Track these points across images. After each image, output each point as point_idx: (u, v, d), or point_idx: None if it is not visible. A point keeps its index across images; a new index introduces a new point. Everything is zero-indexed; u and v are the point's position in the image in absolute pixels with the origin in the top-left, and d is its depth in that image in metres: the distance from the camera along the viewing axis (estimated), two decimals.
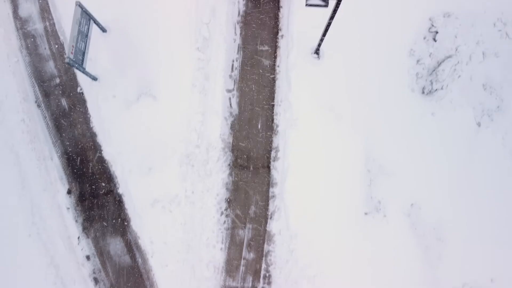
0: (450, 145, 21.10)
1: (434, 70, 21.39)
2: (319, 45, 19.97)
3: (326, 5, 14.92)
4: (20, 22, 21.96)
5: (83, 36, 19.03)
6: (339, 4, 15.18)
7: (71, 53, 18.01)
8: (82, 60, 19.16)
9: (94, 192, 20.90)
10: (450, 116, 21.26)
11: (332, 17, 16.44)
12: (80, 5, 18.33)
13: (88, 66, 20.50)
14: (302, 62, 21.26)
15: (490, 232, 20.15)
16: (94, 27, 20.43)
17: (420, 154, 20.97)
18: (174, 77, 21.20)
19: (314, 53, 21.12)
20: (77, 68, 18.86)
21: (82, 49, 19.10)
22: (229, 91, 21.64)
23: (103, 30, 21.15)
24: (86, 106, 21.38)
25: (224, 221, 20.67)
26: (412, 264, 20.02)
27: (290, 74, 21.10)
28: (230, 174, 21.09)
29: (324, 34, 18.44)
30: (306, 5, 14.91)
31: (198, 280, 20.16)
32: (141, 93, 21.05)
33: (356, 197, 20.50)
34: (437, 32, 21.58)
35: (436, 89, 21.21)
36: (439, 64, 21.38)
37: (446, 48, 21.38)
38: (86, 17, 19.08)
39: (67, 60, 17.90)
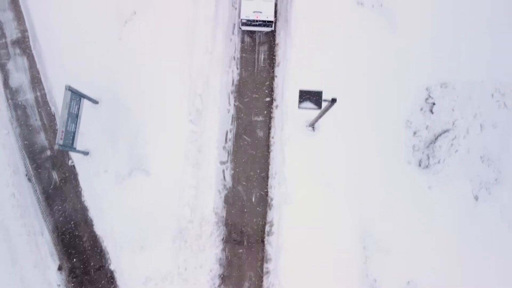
0: (447, 220, 20.74)
1: (431, 143, 21.06)
2: (314, 122, 19.63)
3: (320, 108, 14.60)
4: (11, 93, 21.62)
5: (73, 117, 18.70)
6: (333, 104, 14.85)
7: (61, 138, 17.68)
8: (73, 141, 18.85)
9: (86, 268, 20.56)
10: (447, 190, 20.91)
11: (326, 110, 16.10)
12: (70, 89, 17.99)
13: (80, 140, 20.17)
14: (297, 135, 20.92)
15: None
16: (85, 100, 20.09)
17: (417, 229, 20.62)
18: (167, 150, 20.85)
19: (309, 126, 20.78)
20: (67, 150, 18.51)
21: (73, 130, 18.78)
22: (222, 163, 21.30)
23: (95, 102, 20.80)
24: (77, 179, 21.04)
25: None
26: None
27: (285, 148, 20.77)
28: (224, 249, 20.76)
29: (318, 118, 18.09)
30: (299, 108, 14.59)
31: None
32: (133, 168, 20.70)
33: (352, 275, 20.15)
34: (434, 104, 21.23)
35: (433, 163, 20.86)
36: (436, 137, 21.05)
37: (443, 121, 21.04)
38: (76, 97, 18.74)
39: (56, 147, 17.58)
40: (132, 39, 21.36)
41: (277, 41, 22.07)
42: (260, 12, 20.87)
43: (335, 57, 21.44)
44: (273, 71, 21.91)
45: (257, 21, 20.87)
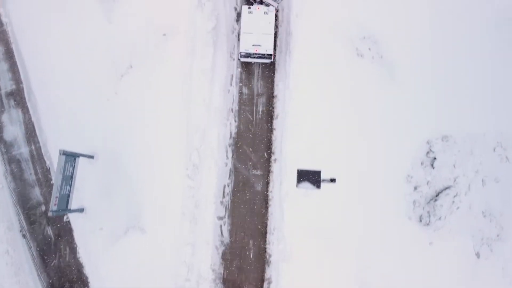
0: (448, 276, 20.41)
1: (432, 200, 20.72)
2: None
3: (319, 187, 14.29)
4: (5, 146, 21.29)
5: (67, 180, 18.38)
6: (334, 181, 14.54)
7: (54, 204, 17.36)
8: (67, 204, 18.55)
9: None
10: (448, 246, 20.57)
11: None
12: (64, 153, 17.67)
13: (75, 196, 19.84)
14: (295, 191, 20.56)
15: None
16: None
17: (418, 285, 20.31)
18: (163, 207, 20.53)
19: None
20: (62, 214, 18.20)
21: (67, 192, 18.49)
22: (220, 218, 20.96)
23: (90, 157, 20.48)
24: (72, 236, 20.71)
25: None
26: None
27: (284, 204, 20.39)
28: None
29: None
30: (297, 187, 14.29)
31: None
32: (129, 226, 20.38)
33: None
34: (435, 158, 20.90)
35: (434, 220, 20.53)
36: (437, 193, 20.72)
37: (444, 177, 20.71)
38: (71, 159, 18.41)
39: (50, 214, 17.27)
40: (128, 93, 21.04)
41: (275, 92, 21.75)
42: (259, 46, 20.61)
43: (335, 110, 21.12)
44: (272, 124, 21.57)
45: (256, 54, 20.62)
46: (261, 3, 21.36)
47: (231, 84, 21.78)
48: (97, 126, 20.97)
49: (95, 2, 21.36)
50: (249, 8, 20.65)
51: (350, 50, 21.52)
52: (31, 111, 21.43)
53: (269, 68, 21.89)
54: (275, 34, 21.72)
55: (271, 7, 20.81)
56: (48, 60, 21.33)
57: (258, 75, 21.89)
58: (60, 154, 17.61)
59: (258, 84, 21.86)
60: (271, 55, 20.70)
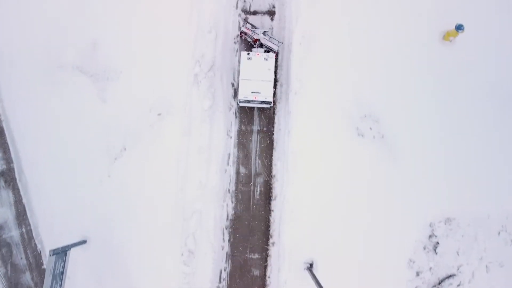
0: None
1: (434, 287, 20.13)
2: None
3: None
4: None
5: (58, 276, 17.73)
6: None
7: None
8: None
9: None
10: None
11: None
12: (54, 253, 17.04)
13: (67, 285, 19.23)
14: (294, 278, 19.97)
15: None
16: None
17: None
18: None
19: (307, 269, 19.84)
20: None
21: None
22: None
23: (83, 242, 19.85)
24: None
25: None
26: None
27: None
28: None
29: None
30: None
31: None
32: None
33: None
34: (438, 243, 20.31)
35: None
36: (440, 281, 20.12)
37: (447, 265, 20.13)
38: (61, 256, 17.77)
39: None
40: (122, 176, 20.41)
41: (273, 172, 21.13)
42: (259, 93, 20.09)
43: (334, 193, 20.52)
44: (270, 205, 20.95)
45: (255, 101, 20.21)
46: (261, 46, 20.88)
47: (228, 164, 21.16)
48: (90, 209, 20.33)
49: (88, 81, 20.74)
50: (248, 54, 20.15)
51: (351, 129, 20.92)
52: (21, 192, 20.78)
53: (268, 147, 21.28)
54: (275, 80, 21.19)
55: (270, 53, 20.31)
56: (39, 140, 20.69)
57: (256, 153, 21.29)
58: (50, 255, 16.98)
59: (256, 163, 21.26)
60: (270, 102, 20.20)
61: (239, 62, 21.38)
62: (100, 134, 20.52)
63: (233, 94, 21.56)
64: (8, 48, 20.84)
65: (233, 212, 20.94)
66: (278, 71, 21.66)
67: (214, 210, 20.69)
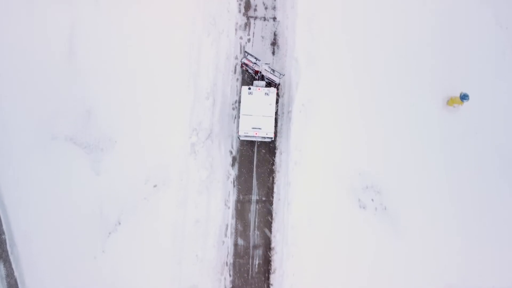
0: None
1: None
2: None
3: None
4: None
5: None
6: None
7: None
8: None
9: None
10: None
11: None
12: None
13: None
14: None
15: None
16: None
17: None
18: None
19: None
20: None
21: None
22: None
23: None
24: None
25: None
26: None
27: None
28: None
29: None
30: None
31: None
32: None
33: None
34: None
35: None
36: None
37: None
38: None
39: None
40: (117, 251, 19.81)
41: (273, 244, 20.55)
42: (260, 129, 19.61)
43: (336, 264, 19.93)
44: (269, 279, 20.35)
45: (256, 137, 19.89)
46: (262, 78, 20.45)
47: (226, 235, 20.57)
48: (83, 285, 19.71)
49: (81, 153, 20.18)
50: (249, 89, 19.68)
51: (352, 201, 20.34)
52: (13, 265, 20.15)
53: (268, 218, 20.71)
54: (276, 113, 20.79)
55: (272, 88, 19.84)
56: (32, 212, 20.08)
57: (255, 224, 20.71)
58: None
59: (254, 235, 20.67)
60: (271, 137, 19.79)
61: (239, 102, 20.92)
62: (94, 207, 19.94)
63: (231, 162, 20.99)
64: None
65: (231, 286, 20.34)
66: (277, 137, 21.12)
67: (211, 284, 20.09)
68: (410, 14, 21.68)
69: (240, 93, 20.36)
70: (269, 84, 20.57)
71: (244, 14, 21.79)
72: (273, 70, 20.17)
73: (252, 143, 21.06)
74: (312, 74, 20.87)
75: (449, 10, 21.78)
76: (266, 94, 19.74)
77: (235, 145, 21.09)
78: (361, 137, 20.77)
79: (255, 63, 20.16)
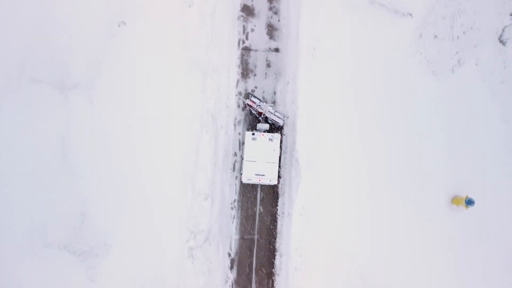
0: None
1: None
2: None
3: None
4: None
5: None
6: None
7: None
8: None
9: None
10: None
11: None
12: None
13: None
14: None
15: None
16: None
17: None
18: None
19: None
20: None
21: None
22: None
23: None
24: None
25: None
26: None
27: None
28: None
29: None
30: None
31: None
32: None
33: None
34: None
35: None
36: None
37: None
38: None
39: None
40: None
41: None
42: (263, 175, 19.24)
43: None
44: None
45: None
46: (266, 119, 20.14)
47: None
48: None
49: (75, 260, 19.58)
50: (253, 134, 19.35)
51: None
52: None
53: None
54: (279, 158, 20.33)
55: (276, 134, 19.50)
56: None
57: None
58: None
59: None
60: (275, 183, 19.54)
61: (242, 148, 20.54)
62: None
63: (229, 265, 20.40)
64: None
65: None
66: (277, 239, 20.54)
67: None
68: (414, 109, 21.13)
69: (243, 138, 20.06)
70: (273, 125, 20.28)
71: (243, 110, 21.25)
72: (277, 112, 19.84)
73: (251, 244, 20.49)
74: (313, 176, 20.32)
75: (454, 104, 21.22)
76: (270, 139, 19.41)
77: (234, 247, 20.51)
78: (365, 240, 20.10)
79: (258, 105, 19.78)
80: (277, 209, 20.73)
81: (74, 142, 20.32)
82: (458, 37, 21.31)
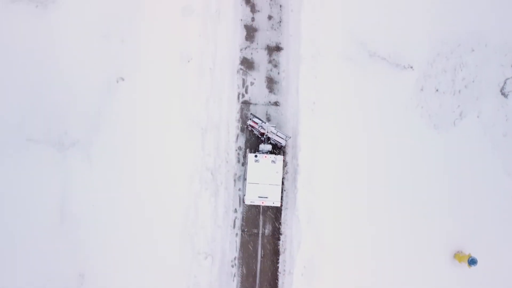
0: None
1: None
2: None
3: None
4: None
5: None
6: None
7: None
8: None
9: None
10: None
11: None
12: None
13: None
14: None
15: None
16: None
17: None
18: None
19: None
20: None
21: None
22: None
23: None
24: None
25: None
26: None
27: None
28: None
29: None
30: None
31: None
32: None
33: None
34: None
35: None
36: None
37: None
38: None
39: None
40: None
41: None
42: (266, 198, 19.07)
43: None
44: None
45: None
46: (268, 139, 19.98)
47: None
48: None
49: None
50: (256, 156, 19.14)
51: None
52: None
53: None
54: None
55: (279, 156, 19.29)
56: None
57: None
58: None
59: None
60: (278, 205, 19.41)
61: (245, 170, 20.28)
62: None
63: None
64: None
65: None
66: None
67: None
68: (415, 163, 20.93)
69: (246, 159, 19.88)
70: (275, 146, 20.24)
71: (242, 165, 21.07)
72: (279, 132, 19.74)
73: None
74: (315, 234, 20.11)
75: (456, 158, 21.00)
76: (273, 161, 19.20)
77: None
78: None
79: (261, 126, 19.65)
80: (278, 267, 20.54)
81: (72, 202, 20.12)
82: (459, 91, 21.11)
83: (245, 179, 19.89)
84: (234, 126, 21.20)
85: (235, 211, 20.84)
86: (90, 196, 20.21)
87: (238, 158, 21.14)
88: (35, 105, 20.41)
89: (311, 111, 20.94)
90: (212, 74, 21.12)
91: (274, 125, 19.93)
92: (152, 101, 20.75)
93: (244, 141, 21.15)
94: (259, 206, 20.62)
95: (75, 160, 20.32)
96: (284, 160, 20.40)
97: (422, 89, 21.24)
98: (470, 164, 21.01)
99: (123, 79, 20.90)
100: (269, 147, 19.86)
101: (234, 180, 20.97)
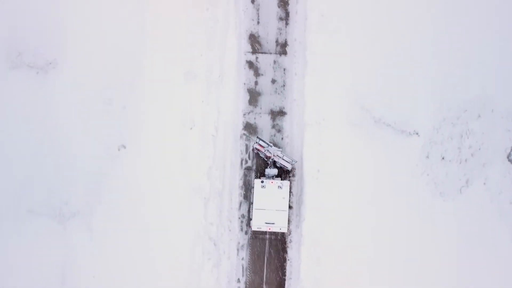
0: None
1: None
2: None
3: None
4: None
5: None
6: None
7: None
8: None
9: None
10: None
11: None
12: None
13: None
14: None
15: None
16: None
17: None
18: None
19: None
20: None
21: None
22: None
23: None
24: None
25: None
26: None
27: None
28: None
29: None
30: None
31: None
32: None
33: None
34: None
35: None
36: None
37: None
38: None
39: None
40: None
41: None
42: (273, 224, 19.10)
43: None
44: None
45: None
46: (274, 163, 19.88)
47: None
48: None
49: None
50: (262, 182, 19.17)
51: None
52: None
53: None
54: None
55: (285, 181, 19.27)
56: None
57: None
58: None
59: None
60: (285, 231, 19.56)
61: (251, 195, 20.06)
62: None
63: None
64: None
65: None
66: None
67: None
68: (420, 231, 20.62)
69: (253, 185, 19.72)
70: (281, 169, 20.10)
71: (246, 233, 20.76)
72: (285, 156, 19.70)
73: None
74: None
75: (462, 226, 20.70)
76: (279, 187, 19.19)
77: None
78: None
79: (267, 149, 19.55)
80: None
81: (73, 273, 19.88)
82: (466, 160, 20.79)
83: (251, 203, 19.74)
84: (237, 194, 20.88)
85: (238, 281, 20.51)
86: (91, 268, 19.93)
87: (241, 226, 20.81)
88: (35, 176, 20.18)
89: (315, 181, 20.62)
90: (214, 142, 20.83)
91: (280, 149, 19.86)
92: (154, 170, 20.48)
93: (246, 209, 20.82)
94: (263, 279, 20.34)
95: (76, 232, 20.07)
96: (290, 185, 20.07)
97: (428, 157, 20.92)
98: (477, 232, 20.70)
99: (124, 147, 20.62)
100: (275, 171, 19.78)
101: (237, 249, 20.66)
